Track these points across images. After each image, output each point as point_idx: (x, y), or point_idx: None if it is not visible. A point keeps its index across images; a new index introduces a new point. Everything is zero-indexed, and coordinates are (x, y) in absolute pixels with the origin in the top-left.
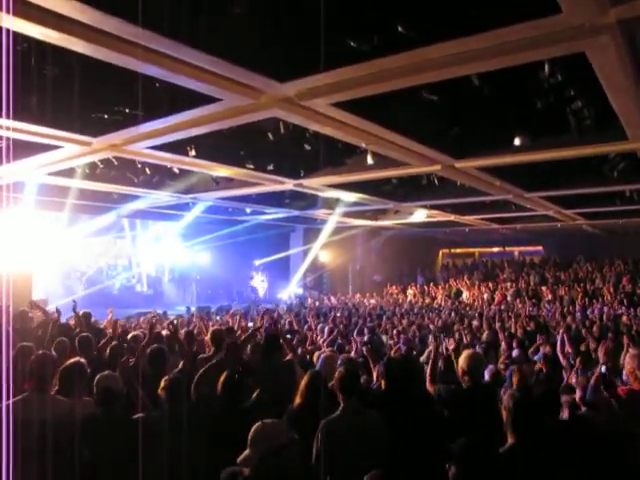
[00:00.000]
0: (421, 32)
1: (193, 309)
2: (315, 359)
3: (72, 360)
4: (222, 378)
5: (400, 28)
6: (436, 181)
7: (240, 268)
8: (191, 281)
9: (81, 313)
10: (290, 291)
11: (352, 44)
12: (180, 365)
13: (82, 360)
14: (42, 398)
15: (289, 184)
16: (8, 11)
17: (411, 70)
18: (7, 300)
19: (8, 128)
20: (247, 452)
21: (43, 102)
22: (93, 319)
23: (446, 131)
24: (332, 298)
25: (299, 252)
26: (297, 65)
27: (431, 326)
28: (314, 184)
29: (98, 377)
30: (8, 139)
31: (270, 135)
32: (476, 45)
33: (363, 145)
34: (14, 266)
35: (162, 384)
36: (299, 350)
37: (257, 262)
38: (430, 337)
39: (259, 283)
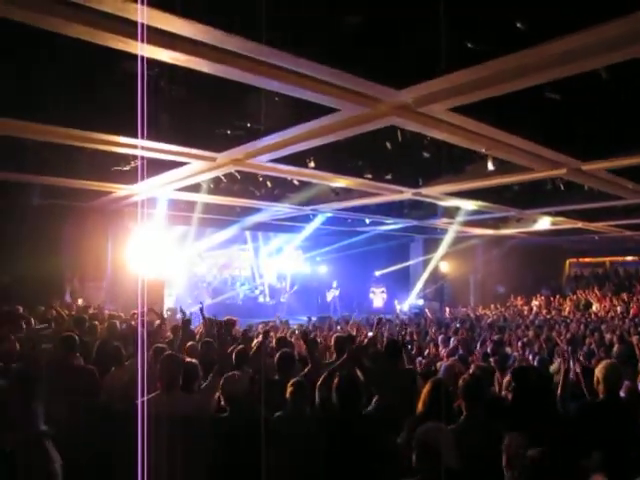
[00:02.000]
0: (542, 26)
1: (314, 319)
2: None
3: (188, 361)
4: (335, 382)
5: (519, 24)
6: (562, 186)
7: (360, 279)
8: (312, 291)
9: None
10: (410, 302)
11: (469, 45)
12: (305, 370)
13: (194, 361)
14: (172, 396)
15: (407, 193)
16: (143, 40)
17: (532, 68)
18: (143, 305)
19: (143, 147)
20: None
21: (171, 122)
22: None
23: (571, 132)
24: (453, 309)
25: (419, 262)
26: (413, 71)
27: (559, 339)
28: (433, 192)
29: (225, 378)
30: (143, 158)
31: (388, 144)
32: (609, 33)
33: (483, 150)
34: (149, 274)
35: (289, 388)
36: (418, 361)
37: (377, 273)
38: (559, 349)
39: (379, 294)
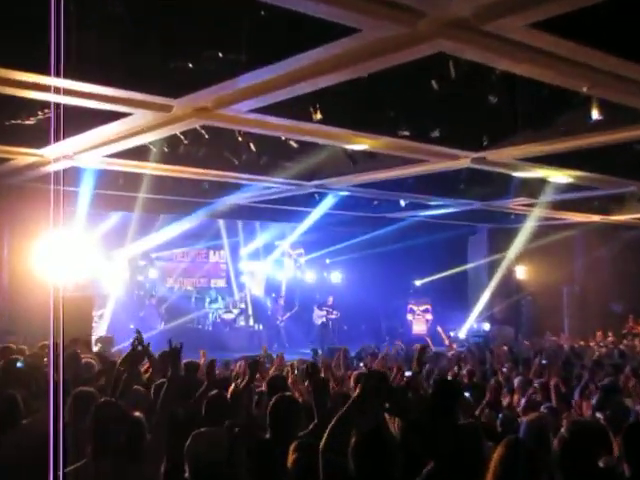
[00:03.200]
0: None
1: (320, 353)
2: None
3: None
4: (353, 441)
5: None
6: None
7: (391, 291)
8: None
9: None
10: (469, 326)
11: None
12: (311, 426)
13: (139, 415)
14: (108, 466)
15: (465, 159)
16: None
17: None
18: (58, 332)
19: (57, 90)
20: None
21: (104, 50)
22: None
23: None
24: (536, 338)
25: (481, 266)
26: None
27: None
28: (504, 158)
29: (193, 437)
30: (57, 106)
31: (434, 84)
32: None
33: (584, 90)
34: (68, 287)
35: (292, 454)
36: (479, 412)
37: (418, 282)
38: None
39: (420, 314)
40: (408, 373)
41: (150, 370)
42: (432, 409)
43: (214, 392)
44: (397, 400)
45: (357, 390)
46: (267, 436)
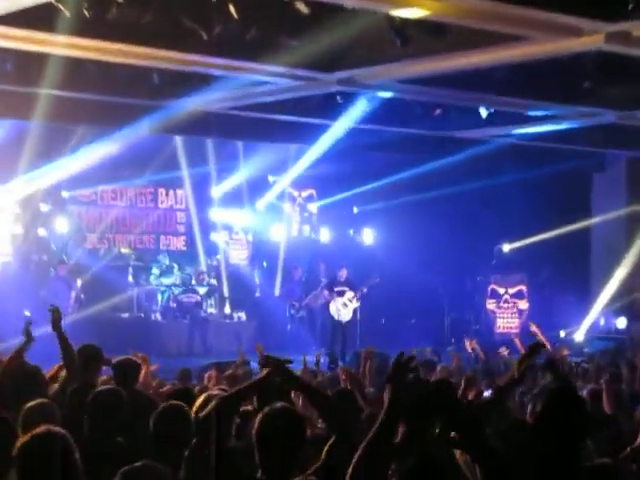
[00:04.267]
0: None
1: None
2: None
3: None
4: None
5: None
6: None
7: (459, 263)
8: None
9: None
10: (591, 322)
11: None
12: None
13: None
14: None
15: (595, 36)
16: None
17: None
18: None
19: None
20: None
21: None
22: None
23: None
24: None
25: (615, 222)
26: None
27: None
28: None
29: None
30: None
31: None
32: None
33: None
34: None
35: None
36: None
37: (505, 248)
38: None
39: (509, 300)
40: (488, 393)
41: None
42: (541, 443)
43: (162, 409)
44: (469, 426)
45: (386, 404)
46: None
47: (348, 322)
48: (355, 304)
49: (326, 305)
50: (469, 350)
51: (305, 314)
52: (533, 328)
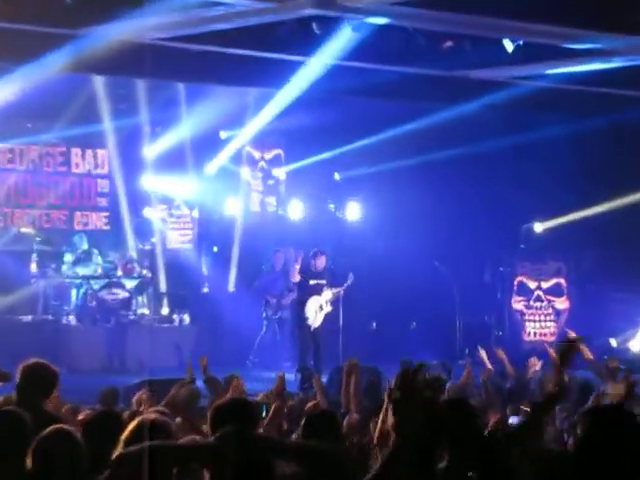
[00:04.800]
0: None
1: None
2: None
3: None
4: None
5: None
6: None
7: (476, 248)
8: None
9: None
10: None
11: None
12: None
13: None
14: None
15: None
16: None
17: None
18: None
19: None
20: None
21: None
22: None
23: None
24: None
25: None
26: None
27: None
28: None
29: None
30: None
31: None
32: None
33: None
34: None
35: None
36: None
37: (537, 227)
38: None
39: (543, 298)
40: (514, 419)
41: None
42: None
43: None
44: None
45: (394, 430)
46: None
47: (317, 328)
48: (328, 308)
49: (295, 305)
50: (486, 362)
51: (288, 315)
52: (571, 335)
